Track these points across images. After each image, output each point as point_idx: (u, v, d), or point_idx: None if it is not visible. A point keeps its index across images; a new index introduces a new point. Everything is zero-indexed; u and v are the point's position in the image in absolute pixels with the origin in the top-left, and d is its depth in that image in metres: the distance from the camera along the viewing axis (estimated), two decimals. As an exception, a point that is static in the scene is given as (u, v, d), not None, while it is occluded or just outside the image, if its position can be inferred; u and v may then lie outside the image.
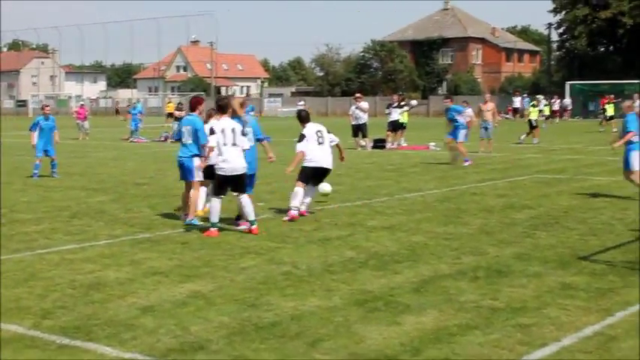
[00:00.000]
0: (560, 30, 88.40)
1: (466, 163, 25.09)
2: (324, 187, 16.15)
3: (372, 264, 10.67)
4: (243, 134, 13.20)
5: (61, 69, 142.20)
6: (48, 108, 24.25)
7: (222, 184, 13.16)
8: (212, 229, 12.96)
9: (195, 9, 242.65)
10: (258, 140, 14.27)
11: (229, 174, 13.00)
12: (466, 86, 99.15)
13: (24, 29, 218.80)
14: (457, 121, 26.02)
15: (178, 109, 44.55)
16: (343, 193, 18.28)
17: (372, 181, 20.73)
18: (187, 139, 13.98)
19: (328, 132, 15.10)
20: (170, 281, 9.76)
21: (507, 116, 69.89)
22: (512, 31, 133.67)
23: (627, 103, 18.77)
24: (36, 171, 22.45)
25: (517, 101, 70.67)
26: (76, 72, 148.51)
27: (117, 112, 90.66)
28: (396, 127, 34.88)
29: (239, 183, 13.17)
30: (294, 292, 9.14)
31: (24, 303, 8.75)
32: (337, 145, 15.27)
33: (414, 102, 43.26)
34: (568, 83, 74.02)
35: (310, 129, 14.94)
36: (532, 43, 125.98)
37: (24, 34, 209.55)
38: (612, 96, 51.10)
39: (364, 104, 33.87)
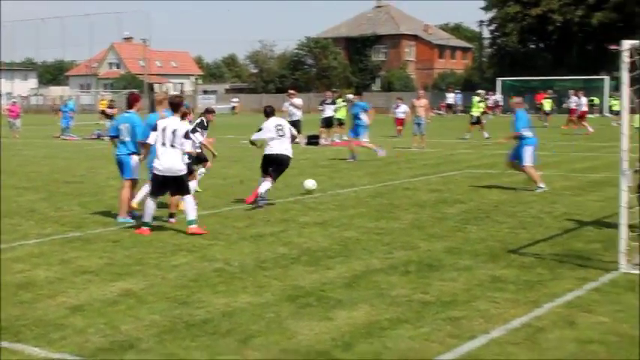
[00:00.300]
0: (492, 27, 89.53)
1: (380, 153, 25.27)
2: (308, 183, 17.52)
3: (305, 260, 10.69)
4: (187, 137, 12.97)
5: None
6: None
7: (157, 184, 13.03)
8: (144, 227, 12.85)
9: (128, 6, 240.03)
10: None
11: (164, 174, 12.85)
12: (399, 83, 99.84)
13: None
14: (360, 119, 26.06)
15: (110, 106, 44.12)
16: (276, 189, 18.24)
17: (305, 177, 20.64)
18: (125, 137, 13.85)
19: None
20: (101, 280, 9.67)
21: (440, 112, 70.60)
22: (444, 28, 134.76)
23: (516, 99, 19.33)
24: None
25: (450, 97, 71.35)
26: (7, 69, 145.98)
27: (52, 109, 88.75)
28: (329, 123, 35.03)
29: (177, 185, 13.02)
30: (226, 289, 9.12)
31: (-50, 304, 8.59)
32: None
33: (350, 96, 43.30)
34: (499, 79, 74.90)
35: (270, 123, 15.82)
36: (464, 40, 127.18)
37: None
38: (550, 91, 51.69)
39: (298, 101, 33.89)
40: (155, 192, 13.05)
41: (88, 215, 14.77)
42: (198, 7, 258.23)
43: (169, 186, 13.07)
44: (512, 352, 6.92)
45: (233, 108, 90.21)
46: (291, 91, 35.96)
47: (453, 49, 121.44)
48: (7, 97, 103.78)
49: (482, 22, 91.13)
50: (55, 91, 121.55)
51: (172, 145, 12.77)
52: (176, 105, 13.15)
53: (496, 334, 7.40)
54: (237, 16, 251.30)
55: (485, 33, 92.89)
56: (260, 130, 15.79)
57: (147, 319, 7.94)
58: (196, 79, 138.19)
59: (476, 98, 39.85)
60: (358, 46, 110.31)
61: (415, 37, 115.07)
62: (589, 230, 12.75)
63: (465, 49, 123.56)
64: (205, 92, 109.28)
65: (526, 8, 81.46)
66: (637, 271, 9.65)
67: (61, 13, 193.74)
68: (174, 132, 12.78)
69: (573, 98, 45.46)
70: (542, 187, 17.49)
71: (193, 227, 12.72)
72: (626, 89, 9.99)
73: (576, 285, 9.17)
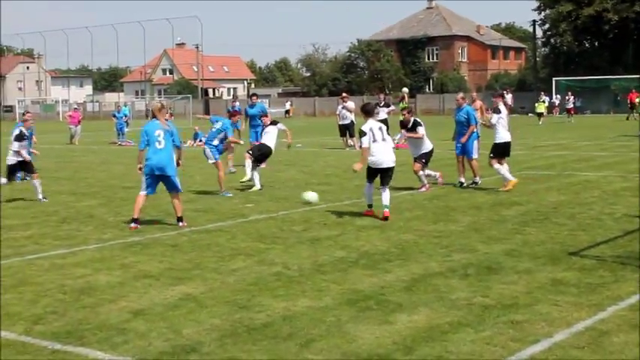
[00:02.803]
0: (545, 27, 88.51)
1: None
2: (307, 195, 16.04)
3: (363, 263, 10.67)
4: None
5: (47, 73, 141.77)
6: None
7: None
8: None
9: (179, 12, 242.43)
10: (176, 147, 14.31)
11: None
12: (453, 84, 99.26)
13: (8, 34, 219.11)
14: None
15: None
16: (332, 193, 18.30)
17: (360, 180, 20.52)
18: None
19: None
20: (161, 284, 9.75)
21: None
22: (496, 28, 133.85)
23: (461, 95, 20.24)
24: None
25: (508, 98, 70.30)
26: (62, 76, 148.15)
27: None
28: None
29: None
30: (286, 293, 9.13)
31: (14, 309, 8.72)
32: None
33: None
34: (554, 79, 74.12)
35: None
36: (517, 40, 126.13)
37: (8, 40, 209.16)
38: None
39: (351, 104, 33.85)
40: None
41: (146, 220, 14.88)
42: (249, 11, 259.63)
43: None
44: (576, 356, 6.83)
45: (287, 111, 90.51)
46: (344, 95, 35.95)
47: (506, 49, 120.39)
48: (64, 104, 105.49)
49: (534, 21, 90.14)
50: (110, 98, 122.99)
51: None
52: (369, 111, 14.89)
53: (559, 337, 7.30)
54: (289, 20, 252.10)
55: (539, 33, 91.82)
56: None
57: (208, 323, 7.99)
58: (249, 83, 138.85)
59: None
60: (410, 47, 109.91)
61: (467, 38, 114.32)
62: (651, 231, 12.54)
63: (518, 50, 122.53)
64: (254, 95, 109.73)
65: (579, 7, 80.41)
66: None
67: (114, 20, 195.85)
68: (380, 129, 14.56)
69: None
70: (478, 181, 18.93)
71: None
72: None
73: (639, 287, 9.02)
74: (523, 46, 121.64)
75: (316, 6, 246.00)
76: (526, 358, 6.81)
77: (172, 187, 14.20)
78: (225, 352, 7.13)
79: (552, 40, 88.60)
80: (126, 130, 43.86)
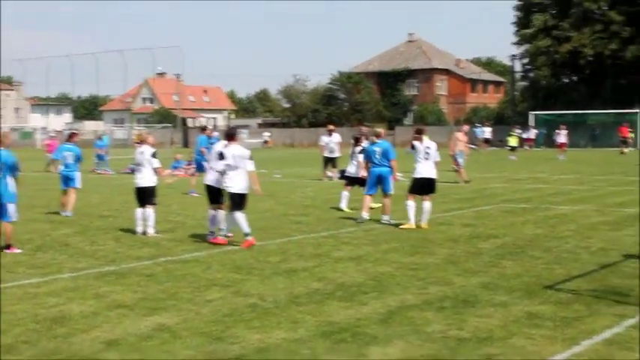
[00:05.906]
0: (524, 61, 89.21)
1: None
2: None
3: (339, 295, 10.63)
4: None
5: (26, 101, 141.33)
6: None
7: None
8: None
9: (161, 41, 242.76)
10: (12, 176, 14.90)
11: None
12: (432, 117, 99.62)
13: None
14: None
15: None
16: (309, 224, 18.25)
17: (339, 212, 20.69)
18: None
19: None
20: (135, 314, 9.67)
21: (474, 147, 70.06)
22: (476, 62, 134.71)
23: (379, 130, 20.67)
24: None
25: (487, 132, 70.33)
26: (42, 104, 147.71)
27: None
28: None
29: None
30: (260, 325, 9.08)
31: (-15, 338, 8.62)
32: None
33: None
34: (532, 113, 74.52)
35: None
36: (496, 74, 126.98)
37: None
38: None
39: (338, 136, 33.73)
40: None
41: (122, 249, 14.81)
42: (230, 42, 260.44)
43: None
44: (550, 390, 6.82)
45: (265, 142, 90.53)
46: (331, 127, 35.63)
47: (486, 83, 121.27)
48: (42, 132, 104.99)
49: (514, 56, 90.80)
50: (90, 126, 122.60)
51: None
52: (232, 135, 15.78)
53: (534, 371, 7.30)
54: (270, 51, 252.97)
55: (518, 67, 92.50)
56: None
57: (181, 355, 7.93)
58: (229, 113, 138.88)
59: None
60: (390, 80, 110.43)
61: (447, 72, 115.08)
62: (626, 266, 12.60)
63: (497, 83, 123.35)
64: (238, 127, 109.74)
65: (557, 43, 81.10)
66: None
67: (95, 49, 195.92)
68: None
69: None
70: (363, 218, 18.38)
71: None
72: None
73: (614, 322, 9.04)
74: (502, 80, 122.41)
75: (298, 38, 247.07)
76: (500, 392, 6.80)
77: (3, 215, 14.61)
78: (198, 383, 7.07)
79: (531, 75, 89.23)
80: (107, 159, 43.73)
